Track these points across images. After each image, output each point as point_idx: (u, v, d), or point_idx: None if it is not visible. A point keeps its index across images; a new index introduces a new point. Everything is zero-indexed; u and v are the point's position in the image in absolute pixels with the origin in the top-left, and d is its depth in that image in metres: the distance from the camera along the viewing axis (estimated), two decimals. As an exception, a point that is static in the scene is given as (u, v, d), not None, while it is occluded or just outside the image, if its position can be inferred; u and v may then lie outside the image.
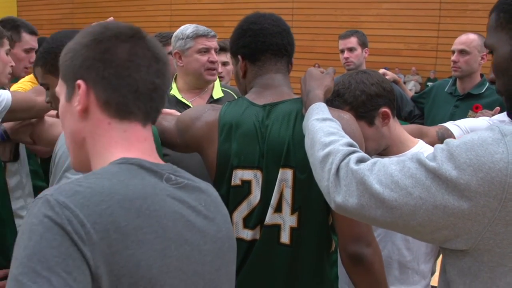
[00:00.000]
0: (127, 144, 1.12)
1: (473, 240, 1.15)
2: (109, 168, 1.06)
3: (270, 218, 1.77)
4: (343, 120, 1.71)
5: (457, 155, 1.14)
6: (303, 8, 12.45)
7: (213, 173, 1.84)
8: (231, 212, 1.78)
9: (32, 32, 3.10)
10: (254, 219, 1.78)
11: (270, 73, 1.87)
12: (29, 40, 3.08)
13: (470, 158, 1.13)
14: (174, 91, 2.73)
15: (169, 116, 2.06)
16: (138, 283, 0.96)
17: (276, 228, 1.78)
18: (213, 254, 1.14)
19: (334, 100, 1.92)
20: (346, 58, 4.20)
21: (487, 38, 1.31)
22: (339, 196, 1.31)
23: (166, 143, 1.99)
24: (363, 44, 4.22)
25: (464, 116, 3.23)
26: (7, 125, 2.39)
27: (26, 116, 2.30)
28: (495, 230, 1.12)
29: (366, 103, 1.90)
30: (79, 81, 1.11)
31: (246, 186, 1.77)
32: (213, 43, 2.85)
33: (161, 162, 1.17)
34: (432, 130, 2.38)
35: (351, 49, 4.21)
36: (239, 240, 1.74)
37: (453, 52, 3.60)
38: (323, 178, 1.39)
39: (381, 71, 3.88)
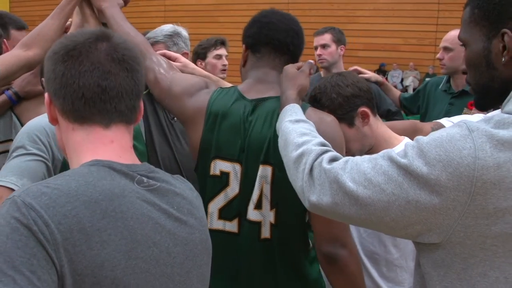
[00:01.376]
0: (93, 147, 1.18)
1: (445, 233, 1.20)
2: (80, 169, 1.12)
3: (252, 214, 1.81)
4: (324, 123, 1.77)
5: (427, 152, 1.20)
6: (298, 2, 12.46)
7: (195, 157, 1.90)
8: (207, 202, 1.83)
9: (21, 27, 3.08)
10: (233, 211, 1.82)
11: (266, 68, 1.92)
12: (18, 36, 3.04)
13: (439, 154, 1.18)
14: None
15: (174, 67, 2.09)
16: (101, 283, 1.01)
17: (257, 224, 1.82)
18: (183, 256, 1.18)
19: (312, 105, 1.95)
20: (319, 55, 4.18)
21: (460, 32, 1.35)
22: (314, 195, 1.35)
23: (156, 96, 2.03)
24: (338, 41, 4.17)
25: (459, 113, 3.25)
26: (14, 86, 2.41)
27: (21, 73, 2.27)
28: (466, 223, 1.17)
29: (343, 105, 1.95)
30: (46, 94, 1.20)
31: (224, 177, 1.81)
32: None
33: (137, 162, 1.21)
34: (427, 126, 2.40)
35: (324, 46, 4.18)
36: (214, 232, 1.79)
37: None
38: (297, 178, 1.43)
39: (351, 68, 3.90)
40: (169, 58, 2.37)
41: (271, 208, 1.79)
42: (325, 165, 1.36)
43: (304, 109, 1.78)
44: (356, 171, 1.29)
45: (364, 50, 13.82)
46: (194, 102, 1.90)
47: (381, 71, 14.54)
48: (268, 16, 1.96)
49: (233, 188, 1.83)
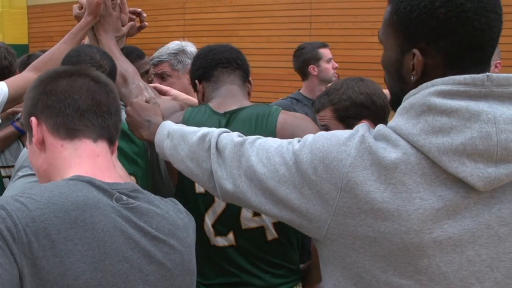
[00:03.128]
0: (79, 161, 1.24)
1: (322, 228, 1.25)
2: (58, 182, 1.17)
3: (251, 222, 1.88)
4: (298, 117, 1.93)
5: (316, 141, 1.27)
6: (321, 15, 12.44)
7: (176, 178, 2.00)
8: (201, 221, 1.92)
9: None
10: (225, 225, 1.89)
11: (226, 85, 2.03)
12: None
13: (323, 145, 1.25)
14: None
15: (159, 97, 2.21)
16: None
17: (261, 229, 1.91)
18: (158, 275, 1.20)
19: (322, 97, 1.97)
20: (335, 68, 4.22)
21: (380, 31, 1.33)
22: (223, 172, 1.41)
23: None
24: None
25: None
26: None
27: None
28: (338, 220, 1.22)
29: (349, 109, 1.97)
30: (31, 118, 1.26)
31: (209, 194, 1.82)
32: None
33: (119, 180, 1.25)
34: None
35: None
36: (217, 248, 1.93)
37: None
38: (204, 160, 1.47)
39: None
40: (159, 91, 2.52)
41: None
42: (235, 138, 1.45)
43: (276, 112, 1.91)
44: (262, 147, 1.37)
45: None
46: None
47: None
48: (206, 48, 2.14)
49: (219, 203, 1.90)
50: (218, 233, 1.94)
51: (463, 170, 1.13)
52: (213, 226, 1.94)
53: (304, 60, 4.21)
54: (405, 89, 1.25)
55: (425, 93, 1.18)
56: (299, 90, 4.29)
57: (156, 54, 2.93)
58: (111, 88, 1.33)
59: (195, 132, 1.57)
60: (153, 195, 1.31)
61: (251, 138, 1.43)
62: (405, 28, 1.23)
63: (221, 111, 1.96)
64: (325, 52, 4.21)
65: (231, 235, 1.92)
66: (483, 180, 1.13)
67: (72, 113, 1.24)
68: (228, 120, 1.92)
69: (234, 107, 1.96)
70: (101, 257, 1.09)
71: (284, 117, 1.92)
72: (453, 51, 1.19)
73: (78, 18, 2.41)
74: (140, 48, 2.98)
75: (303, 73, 4.24)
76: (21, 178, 1.83)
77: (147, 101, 1.98)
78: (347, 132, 1.26)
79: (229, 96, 2.02)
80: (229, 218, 1.91)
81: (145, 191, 1.30)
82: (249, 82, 2.13)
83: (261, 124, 1.89)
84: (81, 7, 2.41)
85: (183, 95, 2.58)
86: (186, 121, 1.94)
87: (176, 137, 1.63)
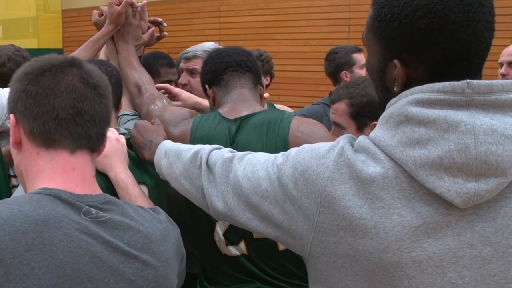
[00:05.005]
0: (52, 173, 1.18)
1: (306, 245, 1.21)
2: (22, 197, 1.12)
3: None
4: (312, 123, 1.88)
5: (298, 155, 1.25)
6: (360, 18, 12.38)
7: None
8: (211, 230, 1.91)
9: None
10: (236, 234, 1.87)
11: (236, 89, 2.01)
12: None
13: (304, 159, 1.22)
14: None
15: (164, 102, 2.23)
16: None
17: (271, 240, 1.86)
18: None
19: (341, 88, 1.97)
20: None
21: (364, 32, 1.26)
22: (214, 188, 1.39)
23: None
24: None
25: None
26: None
27: None
28: (319, 238, 1.18)
29: (364, 107, 1.97)
30: (11, 115, 1.21)
31: None
32: None
33: (95, 192, 1.21)
34: None
35: (362, 67, 4.01)
36: (228, 257, 1.92)
37: (501, 64, 3.42)
38: (196, 176, 1.46)
39: None
40: (169, 92, 2.54)
41: None
42: (225, 154, 1.43)
43: (289, 118, 1.89)
44: (249, 163, 1.35)
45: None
46: (178, 131, 2.00)
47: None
48: (215, 51, 2.15)
49: None
50: (230, 242, 1.93)
51: (440, 185, 1.08)
52: (224, 235, 1.92)
53: (337, 65, 4.08)
54: (389, 98, 1.20)
55: (403, 102, 1.13)
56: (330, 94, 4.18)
57: (190, 49, 2.95)
58: (101, 91, 1.25)
59: (189, 149, 1.57)
60: (131, 205, 1.27)
61: (240, 153, 1.42)
62: (386, 37, 1.17)
63: (232, 117, 1.94)
64: (359, 57, 4.07)
65: (242, 245, 1.91)
66: (461, 196, 1.07)
67: (49, 121, 1.18)
68: (239, 127, 1.91)
69: (245, 113, 1.94)
70: (60, 280, 1.05)
71: (297, 124, 1.90)
72: (437, 63, 1.13)
73: (97, 25, 2.45)
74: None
75: (335, 78, 4.12)
76: None
77: (152, 122, 2.01)
78: (328, 144, 1.23)
79: (240, 101, 2.00)
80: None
81: (121, 202, 1.25)
82: (261, 84, 2.11)
83: (272, 130, 1.87)
84: (101, 14, 2.45)
85: (194, 99, 2.58)
86: (195, 129, 1.95)
87: (171, 155, 1.64)
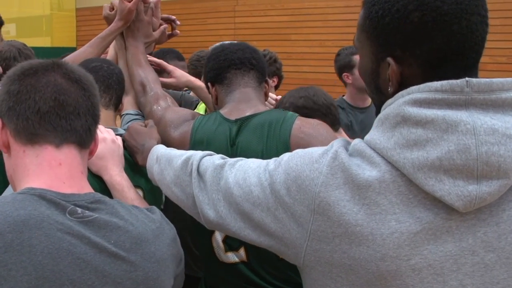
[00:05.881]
0: (38, 170, 1.18)
1: (300, 254, 1.17)
2: (5, 197, 1.12)
3: None
4: (309, 124, 1.83)
5: (291, 160, 1.21)
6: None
7: None
8: (209, 236, 1.88)
9: None
10: (236, 240, 1.79)
11: (239, 88, 1.96)
12: None
13: (297, 164, 1.18)
14: None
15: (166, 102, 2.18)
16: None
17: None
18: None
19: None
20: None
21: (355, 36, 1.23)
22: (205, 196, 1.37)
23: None
24: None
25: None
26: None
27: None
28: (313, 246, 1.14)
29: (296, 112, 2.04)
30: None
31: None
32: None
33: (85, 190, 1.20)
34: None
35: None
36: (227, 265, 1.87)
37: None
38: (187, 183, 1.44)
39: None
40: (164, 69, 2.52)
41: None
42: (216, 160, 1.40)
43: (291, 119, 1.84)
44: (241, 169, 1.32)
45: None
46: (178, 133, 1.96)
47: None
48: (218, 47, 2.08)
49: None
50: (230, 248, 1.89)
51: (440, 189, 1.04)
52: (224, 241, 1.88)
53: (340, 67, 4.03)
54: (384, 101, 1.16)
55: (399, 103, 1.09)
56: (343, 96, 4.09)
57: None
58: (84, 85, 1.24)
59: (181, 155, 1.54)
60: (123, 204, 1.25)
61: (232, 160, 1.39)
62: (378, 35, 1.14)
63: (233, 118, 1.89)
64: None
65: (242, 251, 1.87)
66: (462, 199, 1.03)
67: (31, 116, 1.17)
68: (239, 128, 1.86)
69: (248, 113, 1.89)
70: (39, 282, 1.02)
71: (300, 125, 1.83)
72: (432, 59, 1.10)
73: (107, 19, 2.41)
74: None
75: (342, 80, 4.07)
76: None
77: (145, 125, 1.99)
78: (321, 149, 1.19)
79: (243, 100, 1.95)
80: None
81: (112, 202, 1.23)
82: (266, 82, 2.06)
83: (273, 131, 1.82)
84: (112, 8, 2.41)
85: (187, 77, 2.57)
86: (195, 131, 1.91)
87: (163, 161, 1.61)
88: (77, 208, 1.13)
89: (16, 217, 1.04)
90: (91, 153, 1.30)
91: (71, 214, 1.12)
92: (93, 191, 1.23)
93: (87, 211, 1.14)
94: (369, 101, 3.96)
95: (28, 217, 1.05)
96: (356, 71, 3.89)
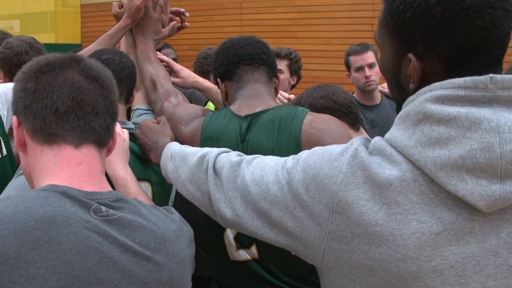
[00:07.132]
0: (57, 169, 1.16)
1: (318, 254, 1.16)
2: (27, 193, 1.09)
3: None
4: (320, 119, 1.82)
5: (309, 158, 1.20)
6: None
7: None
8: (221, 233, 1.88)
9: None
10: (248, 237, 1.79)
11: (249, 84, 1.96)
12: None
13: (315, 162, 1.17)
14: None
15: (177, 99, 2.17)
16: None
17: None
18: None
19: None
20: (368, 77, 3.84)
21: (377, 31, 1.23)
22: (221, 194, 1.36)
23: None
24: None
25: None
26: None
27: None
28: (332, 246, 1.13)
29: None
30: (13, 117, 1.20)
31: None
32: None
33: (105, 188, 1.19)
34: None
35: (371, 65, 3.85)
36: (238, 263, 1.88)
37: None
38: (203, 180, 1.43)
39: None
40: (171, 68, 2.52)
41: None
42: (233, 158, 1.39)
43: (302, 114, 1.83)
44: (258, 167, 1.31)
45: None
46: (189, 130, 1.96)
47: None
48: (228, 42, 2.06)
49: None
50: (241, 245, 1.89)
51: (462, 188, 1.02)
52: (235, 238, 1.89)
53: (345, 65, 4.04)
54: (405, 98, 1.15)
55: (421, 100, 1.08)
56: (353, 94, 4.02)
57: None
58: (103, 82, 1.23)
59: (196, 153, 1.53)
60: (143, 204, 1.24)
61: (249, 157, 1.38)
62: (400, 30, 1.13)
63: (243, 114, 1.89)
64: (354, 60, 3.93)
65: (254, 248, 1.88)
66: (485, 199, 1.00)
67: (49, 116, 1.16)
68: (250, 124, 1.86)
69: (258, 109, 1.89)
70: (68, 281, 1.00)
71: (311, 120, 1.82)
72: (454, 55, 1.08)
73: (117, 17, 2.43)
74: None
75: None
76: (21, 175, 1.81)
77: (157, 122, 1.98)
78: (341, 147, 1.18)
79: (253, 96, 1.94)
80: None
81: (132, 200, 1.22)
82: (276, 77, 2.05)
83: (284, 127, 1.81)
84: (121, 6, 2.43)
85: (194, 78, 2.56)
86: (206, 127, 1.91)
87: (177, 159, 1.61)
88: (101, 207, 1.12)
89: (43, 214, 1.02)
90: (109, 151, 1.30)
91: (95, 212, 1.10)
92: (113, 190, 1.23)
93: (111, 210, 1.13)
94: (377, 99, 3.97)
95: (54, 213, 1.03)
96: (352, 72, 3.90)
